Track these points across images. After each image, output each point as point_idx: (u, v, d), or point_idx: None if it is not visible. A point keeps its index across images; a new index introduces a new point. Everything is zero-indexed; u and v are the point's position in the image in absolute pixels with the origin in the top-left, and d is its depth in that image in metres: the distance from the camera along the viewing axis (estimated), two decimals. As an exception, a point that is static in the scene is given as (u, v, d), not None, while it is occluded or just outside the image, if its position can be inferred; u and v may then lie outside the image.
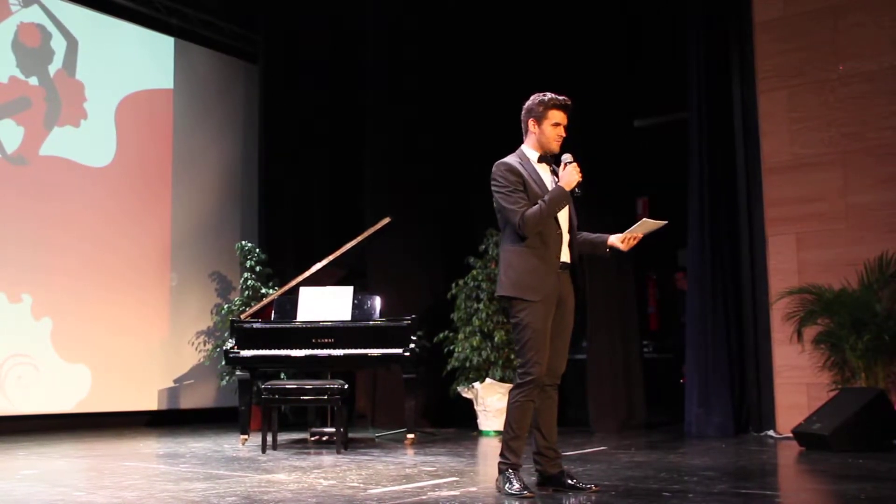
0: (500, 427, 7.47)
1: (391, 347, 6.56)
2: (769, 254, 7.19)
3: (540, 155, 4.31)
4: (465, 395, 7.85)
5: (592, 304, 7.89)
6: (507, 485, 4.02)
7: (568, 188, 4.16)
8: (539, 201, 4.12)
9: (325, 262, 7.13)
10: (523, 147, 4.34)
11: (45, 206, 8.35)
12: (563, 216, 4.27)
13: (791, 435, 6.31)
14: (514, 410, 4.10)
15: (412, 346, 6.54)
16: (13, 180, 8.17)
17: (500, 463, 4.12)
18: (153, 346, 9.10)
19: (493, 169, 4.27)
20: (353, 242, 7.18)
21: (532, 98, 4.30)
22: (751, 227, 7.35)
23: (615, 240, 4.35)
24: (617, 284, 8.01)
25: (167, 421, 9.03)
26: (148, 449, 6.75)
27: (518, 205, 4.15)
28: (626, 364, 7.91)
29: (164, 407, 9.11)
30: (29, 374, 8.08)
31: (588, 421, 7.75)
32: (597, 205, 8.20)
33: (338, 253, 7.15)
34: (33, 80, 8.43)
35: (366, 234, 7.22)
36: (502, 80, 8.52)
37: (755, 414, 7.20)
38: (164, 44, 9.54)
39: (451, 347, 7.90)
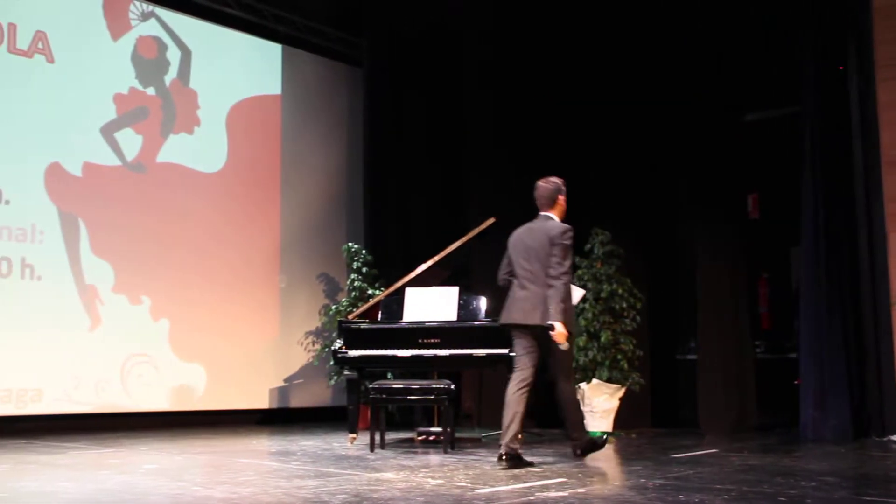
0: (608, 427, 7.44)
1: (497, 347, 6.54)
2: (890, 251, 6.88)
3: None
4: (570, 395, 7.77)
5: (702, 304, 7.72)
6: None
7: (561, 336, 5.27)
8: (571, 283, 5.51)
9: (430, 262, 7.18)
10: (554, 216, 5.52)
11: (162, 212, 8.69)
12: None
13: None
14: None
15: (517, 346, 6.50)
16: (133, 187, 8.52)
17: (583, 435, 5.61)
18: (264, 346, 9.35)
19: (567, 229, 5.39)
20: (458, 243, 7.20)
21: (558, 179, 5.57)
22: (869, 224, 7.04)
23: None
24: (728, 284, 7.81)
25: (278, 419, 9.26)
26: (260, 446, 6.93)
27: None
28: (738, 365, 7.70)
29: (275, 405, 9.35)
30: (149, 373, 8.41)
31: (698, 422, 7.57)
32: (706, 203, 8.07)
33: (443, 254, 7.19)
34: (150, 91, 8.78)
35: (471, 235, 7.24)
36: (606, 78, 8.44)
37: (877, 418, 6.89)
38: (272, 51, 9.79)
39: (557, 347, 7.83)
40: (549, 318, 5.22)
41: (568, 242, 5.35)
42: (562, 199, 5.53)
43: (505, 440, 5.20)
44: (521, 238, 5.53)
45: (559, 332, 5.20)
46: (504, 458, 5.13)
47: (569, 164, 8.62)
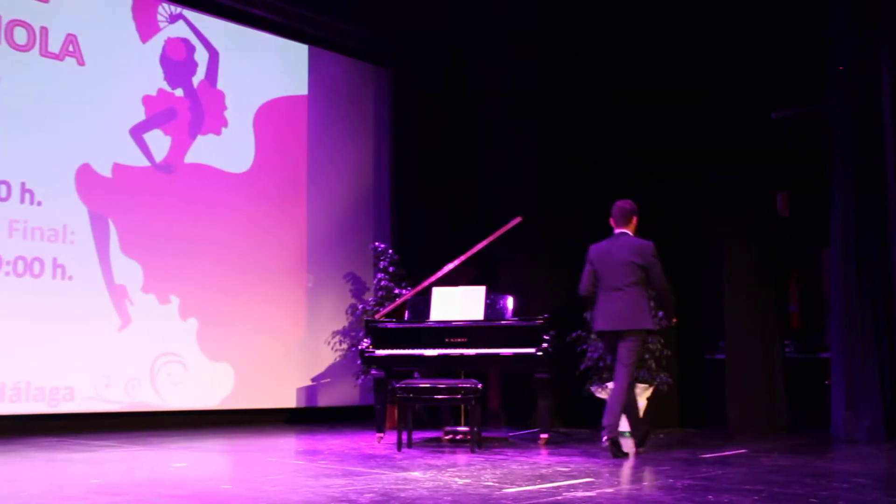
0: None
1: (524, 347, 6.54)
2: (922, 249, 6.79)
3: None
4: (598, 395, 7.75)
5: (731, 303, 7.66)
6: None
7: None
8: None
9: (456, 262, 7.18)
10: (629, 232, 6.18)
11: (191, 212, 8.75)
12: None
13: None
14: None
15: (545, 345, 6.50)
16: (161, 187, 8.60)
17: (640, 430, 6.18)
18: (291, 345, 9.40)
19: (653, 246, 6.06)
20: (485, 242, 7.20)
21: (632, 202, 6.23)
22: (901, 222, 6.95)
23: None
24: (757, 283, 7.74)
25: (305, 418, 9.31)
26: (288, 445, 6.96)
27: None
28: (767, 364, 7.63)
29: (302, 405, 9.39)
30: (178, 372, 8.48)
31: (726, 423, 7.52)
32: (735, 201, 8.00)
33: (469, 253, 7.19)
34: (179, 92, 8.84)
35: (497, 234, 7.23)
36: (635, 76, 8.40)
37: (911, 418, 6.80)
38: (299, 51, 9.83)
39: (584, 347, 7.81)
40: (666, 316, 6.42)
41: (657, 258, 6.08)
42: (636, 218, 6.22)
43: (635, 430, 6.23)
44: (608, 253, 6.13)
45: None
46: (616, 443, 5.80)
47: (595, 161, 8.64)
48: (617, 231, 6.21)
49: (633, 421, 6.31)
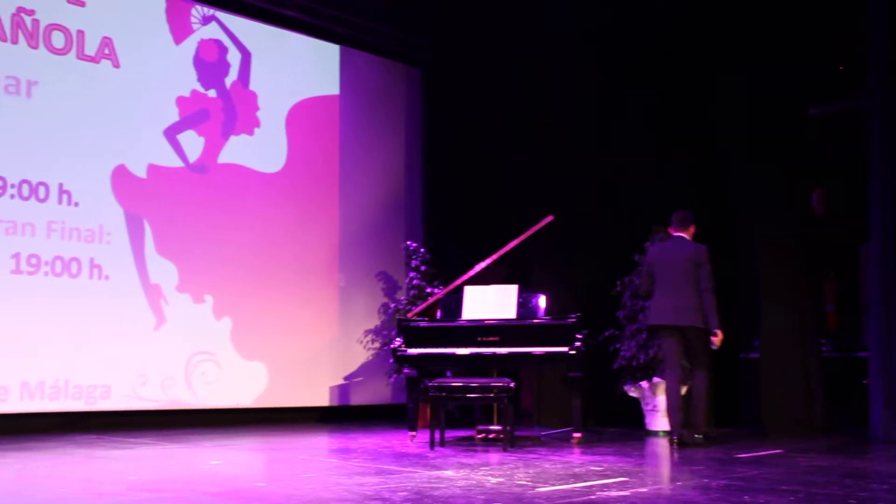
0: (669, 427, 7.35)
1: (556, 346, 6.52)
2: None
3: None
4: (631, 393, 7.71)
5: (766, 302, 7.58)
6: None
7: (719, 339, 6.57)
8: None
9: (488, 260, 7.17)
10: (686, 237, 6.65)
11: (224, 212, 8.82)
12: None
13: None
14: None
15: (577, 344, 6.48)
16: (195, 188, 8.67)
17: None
18: (324, 344, 9.44)
19: (706, 250, 6.54)
20: (517, 241, 7.18)
21: (691, 212, 6.72)
22: (941, 218, 6.83)
23: None
24: (792, 281, 7.65)
25: (338, 417, 9.34)
26: (321, 443, 7.00)
27: None
28: (803, 364, 7.54)
29: (335, 403, 9.43)
30: (212, 371, 8.55)
31: (762, 422, 7.44)
32: (769, 199, 7.91)
33: (501, 252, 7.17)
34: (212, 93, 8.92)
35: (529, 233, 7.21)
36: (666, 71, 8.33)
37: (953, 418, 6.68)
38: (330, 51, 9.87)
39: (617, 346, 7.77)
40: (708, 325, 6.46)
41: (709, 262, 6.53)
42: (693, 226, 6.72)
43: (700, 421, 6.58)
44: (666, 255, 6.66)
45: (720, 336, 6.47)
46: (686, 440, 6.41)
47: (627, 161, 8.57)
48: (675, 235, 6.70)
49: (687, 418, 6.65)
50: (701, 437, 6.54)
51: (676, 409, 6.48)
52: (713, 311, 6.45)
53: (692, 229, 6.72)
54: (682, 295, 6.46)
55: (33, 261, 7.59)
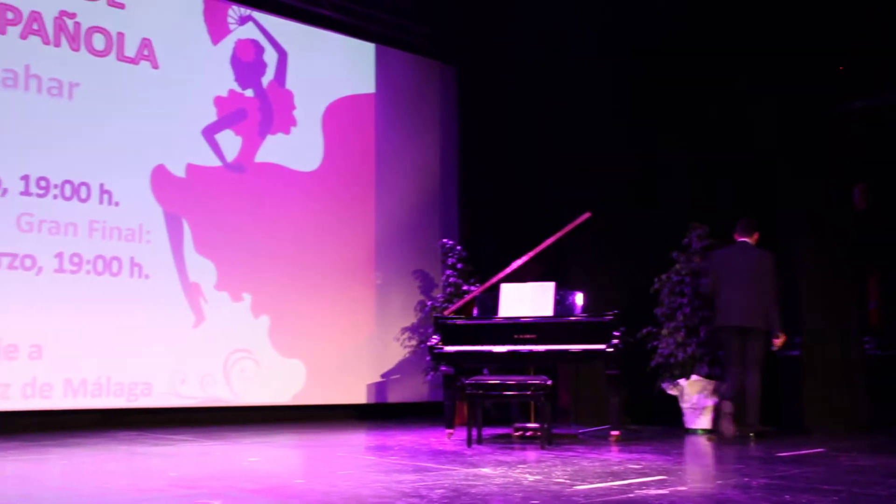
0: (707, 425, 7.31)
1: (593, 343, 6.48)
2: None
3: None
4: (669, 391, 7.65)
5: (806, 299, 7.48)
6: None
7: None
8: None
9: (525, 258, 7.16)
10: (750, 242, 7.04)
11: (261, 211, 8.90)
12: None
13: None
14: None
15: (615, 342, 6.44)
16: (233, 187, 8.75)
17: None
18: (361, 342, 9.48)
19: (771, 256, 6.93)
20: (553, 238, 7.15)
21: (755, 220, 7.08)
22: None
23: None
24: (833, 278, 7.55)
25: (375, 414, 9.38)
26: (358, 440, 7.03)
27: None
28: (845, 361, 7.43)
29: (372, 401, 9.47)
30: (250, 369, 8.63)
31: (803, 421, 7.35)
32: (810, 194, 7.81)
33: (538, 249, 7.15)
34: (249, 93, 8.99)
35: (565, 230, 7.18)
36: (702, 65, 8.25)
37: None
38: (366, 50, 9.91)
39: (655, 343, 7.72)
40: (772, 327, 6.79)
41: (774, 268, 6.91)
42: (757, 233, 7.07)
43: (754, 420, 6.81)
44: (733, 258, 7.00)
45: (783, 338, 6.80)
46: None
47: (661, 157, 8.51)
48: (739, 240, 7.05)
49: (741, 416, 6.82)
50: (754, 434, 6.75)
51: (755, 402, 6.81)
52: (777, 314, 6.76)
53: (756, 235, 7.06)
54: (747, 297, 6.80)
55: (75, 260, 7.71)
